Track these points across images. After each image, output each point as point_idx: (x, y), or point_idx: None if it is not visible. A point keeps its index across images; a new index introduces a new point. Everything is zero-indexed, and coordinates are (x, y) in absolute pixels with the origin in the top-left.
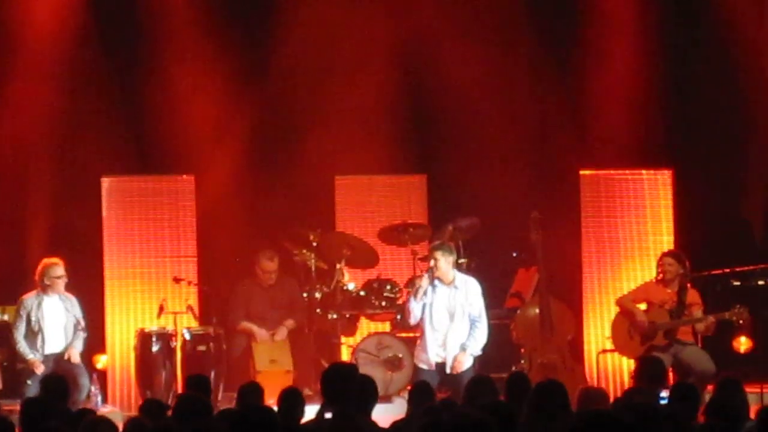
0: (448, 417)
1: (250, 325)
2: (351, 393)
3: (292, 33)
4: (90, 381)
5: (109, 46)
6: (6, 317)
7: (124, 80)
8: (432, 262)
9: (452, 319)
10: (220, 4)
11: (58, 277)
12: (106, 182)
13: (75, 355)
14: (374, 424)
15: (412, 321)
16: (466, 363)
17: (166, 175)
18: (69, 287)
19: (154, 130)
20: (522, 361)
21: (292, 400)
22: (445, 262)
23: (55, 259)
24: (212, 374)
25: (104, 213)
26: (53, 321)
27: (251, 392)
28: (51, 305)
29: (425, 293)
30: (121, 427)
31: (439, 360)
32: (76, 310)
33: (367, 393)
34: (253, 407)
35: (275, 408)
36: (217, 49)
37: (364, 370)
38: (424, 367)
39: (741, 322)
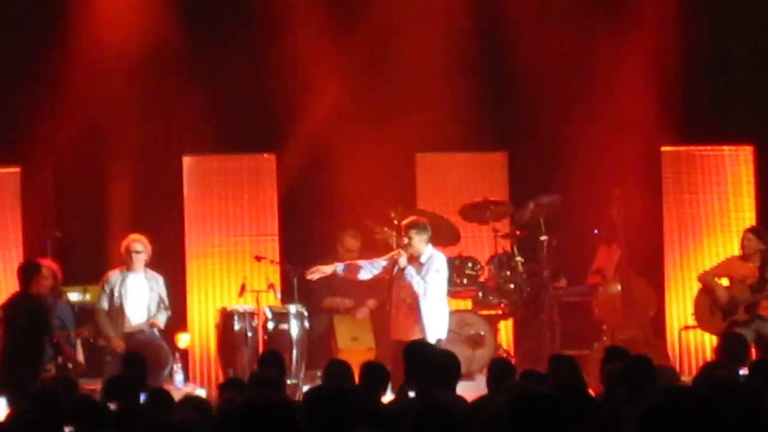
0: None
1: (334, 299)
2: (432, 369)
3: (373, 12)
4: (172, 359)
5: (190, 24)
6: (88, 297)
7: (205, 59)
8: (406, 240)
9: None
10: None
11: (137, 252)
12: (187, 161)
13: (160, 322)
14: (460, 398)
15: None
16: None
17: (247, 154)
18: (150, 265)
19: (235, 109)
20: (604, 338)
21: (375, 374)
22: (419, 240)
23: (136, 235)
24: (294, 352)
25: (185, 192)
26: (136, 298)
27: (340, 371)
28: (135, 282)
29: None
30: None
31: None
32: (161, 289)
33: (451, 370)
34: (332, 388)
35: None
36: (298, 28)
37: (446, 347)
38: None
39: None
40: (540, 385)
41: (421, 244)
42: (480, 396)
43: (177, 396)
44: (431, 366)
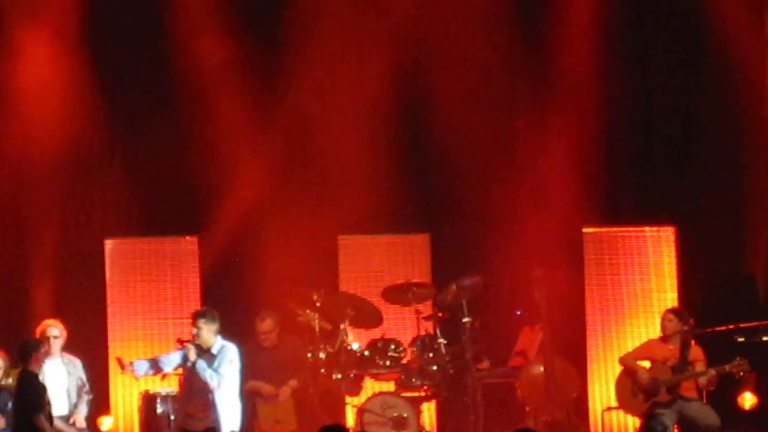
0: None
1: (255, 382)
2: None
3: (295, 96)
4: None
5: (111, 108)
6: (11, 380)
7: (126, 142)
8: (195, 330)
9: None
10: (222, 63)
11: (54, 337)
12: (109, 244)
13: (80, 420)
14: None
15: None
16: None
17: (169, 237)
18: (72, 349)
19: (156, 192)
20: (527, 420)
21: None
22: (208, 330)
23: (51, 321)
24: None
25: (107, 275)
26: (54, 384)
27: None
28: (52, 368)
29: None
30: None
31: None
32: (80, 372)
33: None
34: None
35: None
36: (220, 112)
37: (370, 429)
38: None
39: (742, 374)
40: None
41: (210, 334)
42: None
43: None
44: None
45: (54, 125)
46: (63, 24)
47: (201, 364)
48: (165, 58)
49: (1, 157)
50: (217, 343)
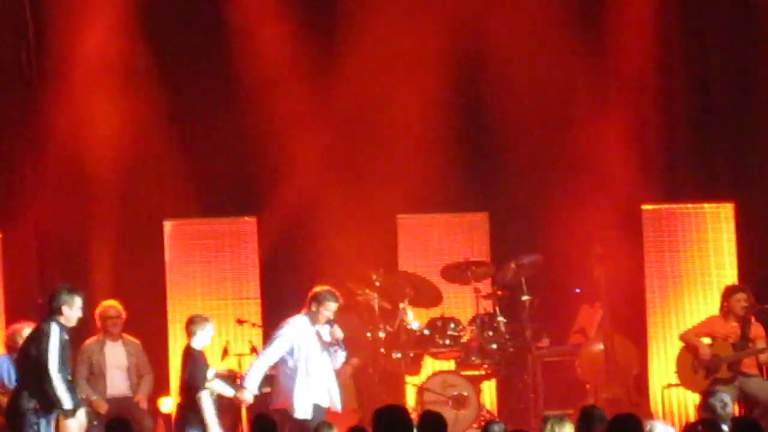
0: None
1: None
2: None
3: (354, 75)
4: (155, 424)
5: (172, 90)
6: None
7: (186, 123)
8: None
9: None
10: (280, 45)
11: (111, 318)
12: (168, 226)
13: (143, 401)
14: None
15: None
16: None
17: (228, 218)
18: (132, 331)
19: (215, 173)
20: (587, 397)
21: None
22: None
23: (109, 302)
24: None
25: (167, 256)
26: (115, 365)
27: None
28: (113, 349)
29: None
30: None
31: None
32: (140, 354)
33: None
34: None
35: None
36: (278, 92)
37: (430, 408)
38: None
39: None
40: None
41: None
42: None
43: None
44: (416, 429)
45: (112, 109)
46: (122, 10)
47: None
48: (223, 41)
49: (60, 141)
50: None
